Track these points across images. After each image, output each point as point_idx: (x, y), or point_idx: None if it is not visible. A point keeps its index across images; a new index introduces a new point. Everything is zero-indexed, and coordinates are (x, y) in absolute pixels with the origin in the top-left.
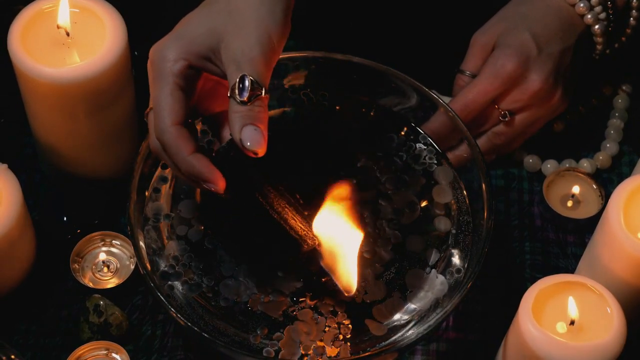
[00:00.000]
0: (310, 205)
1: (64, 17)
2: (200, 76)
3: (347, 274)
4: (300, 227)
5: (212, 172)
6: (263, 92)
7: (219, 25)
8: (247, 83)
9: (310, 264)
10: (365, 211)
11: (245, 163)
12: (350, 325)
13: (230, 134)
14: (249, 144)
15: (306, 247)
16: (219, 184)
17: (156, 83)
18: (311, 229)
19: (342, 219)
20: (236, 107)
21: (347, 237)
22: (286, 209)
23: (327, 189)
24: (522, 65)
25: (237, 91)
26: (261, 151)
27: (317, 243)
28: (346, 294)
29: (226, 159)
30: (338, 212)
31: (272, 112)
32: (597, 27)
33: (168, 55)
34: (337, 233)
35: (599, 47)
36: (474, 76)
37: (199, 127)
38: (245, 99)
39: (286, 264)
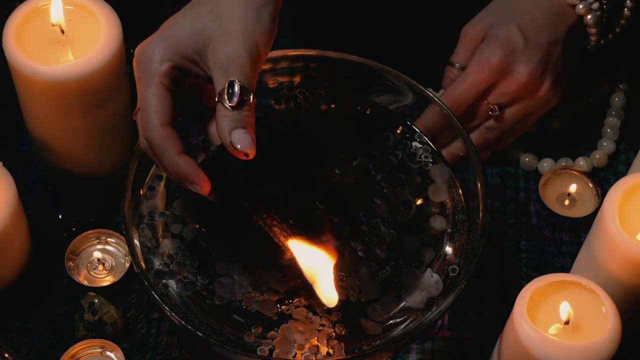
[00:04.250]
0: (291, 227)
1: (58, 14)
2: (186, 76)
3: (325, 287)
4: (277, 238)
5: (197, 174)
6: (251, 97)
7: (206, 28)
8: (236, 88)
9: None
10: (360, 210)
11: (232, 168)
12: (344, 324)
13: (219, 137)
14: (239, 146)
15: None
16: (204, 186)
17: (142, 83)
18: (285, 242)
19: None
20: (225, 112)
21: (320, 259)
22: (266, 218)
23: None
24: (508, 57)
25: (226, 96)
26: (252, 152)
27: (289, 257)
28: (329, 306)
29: (213, 163)
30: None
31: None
32: (589, 17)
33: (154, 56)
34: (310, 256)
35: (592, 38)
36: (463, 68)
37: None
38: (234, 104)
39: (279, 263)
